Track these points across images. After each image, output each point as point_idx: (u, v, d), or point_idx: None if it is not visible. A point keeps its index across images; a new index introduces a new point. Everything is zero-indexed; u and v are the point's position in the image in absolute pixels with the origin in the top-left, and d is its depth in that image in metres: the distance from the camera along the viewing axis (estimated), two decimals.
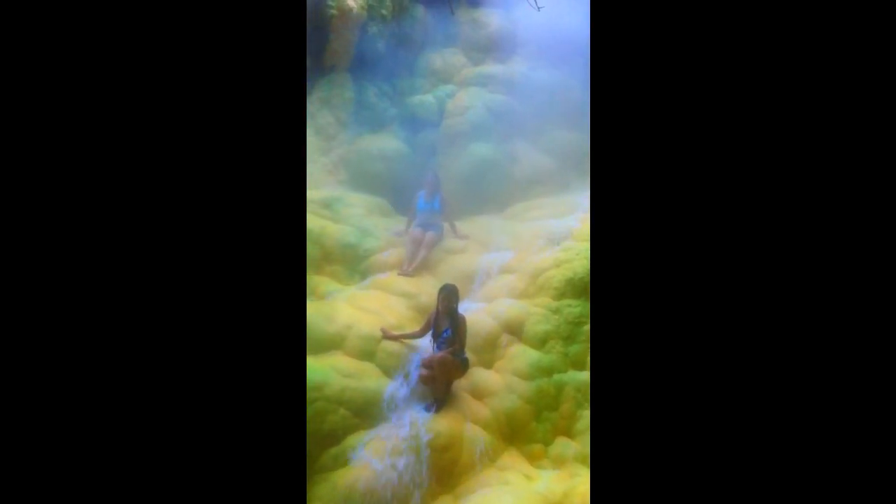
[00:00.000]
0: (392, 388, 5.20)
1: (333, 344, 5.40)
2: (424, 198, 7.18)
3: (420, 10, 9.31)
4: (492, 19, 9.59)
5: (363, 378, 5.14)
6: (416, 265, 6.59)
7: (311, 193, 7.16)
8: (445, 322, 5.29)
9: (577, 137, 7.98)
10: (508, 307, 5.87)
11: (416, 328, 5.62)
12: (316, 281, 6.35)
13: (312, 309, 5.68)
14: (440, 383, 5.06)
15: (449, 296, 5.33)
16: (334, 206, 7.20)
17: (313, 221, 6.69)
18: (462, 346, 5.24)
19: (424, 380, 5.13)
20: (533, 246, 6.65)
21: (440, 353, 5.08)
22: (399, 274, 6.51)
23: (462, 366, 5.21)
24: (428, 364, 5.12)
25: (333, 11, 8.14)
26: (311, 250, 6.46)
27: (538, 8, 7.99)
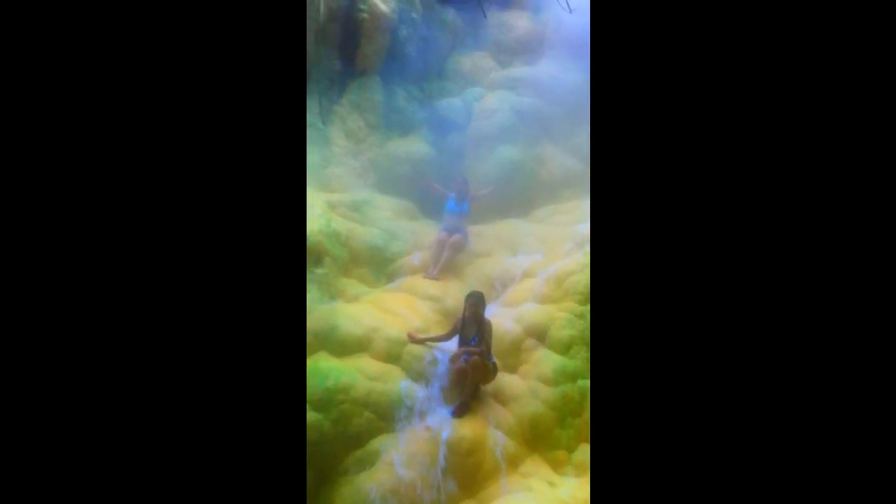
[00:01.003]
0: (417, 391, 5.25)
1: (360, 346, 5.46)
2: (455, 200, 7.22)
3: (450, 13, 9.35)
4: (520, 22, 9.59)
5: (388, 381, 5.20)
6: (439, 268, 6.64)
7: (341, 196, 7.26)
8: (472, 329, 5.34)
9: None
10: (533, 311, 5.88)
11: (442, 332, 5.67)
12: (343, 283, 6.43)
13: (340, 311, 5.77)
14: (469, 385, 5.11)
15: (476, 302, 5.38)
16: (363, 208, 7.28)
17: (341, 224, 6.78)
18: (489, 350, 5.28)
19: (456, 375, 5.18)
20: (559, 250, 6.65)
21: (473, 357, 5.12)
22: (424, 277, 6.57)
23: (493, 370, 5.26)
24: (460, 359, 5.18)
25: (365, 15, 8.21)
26: (339, 252, 6.55)
27: (570, 10, 7.97)
